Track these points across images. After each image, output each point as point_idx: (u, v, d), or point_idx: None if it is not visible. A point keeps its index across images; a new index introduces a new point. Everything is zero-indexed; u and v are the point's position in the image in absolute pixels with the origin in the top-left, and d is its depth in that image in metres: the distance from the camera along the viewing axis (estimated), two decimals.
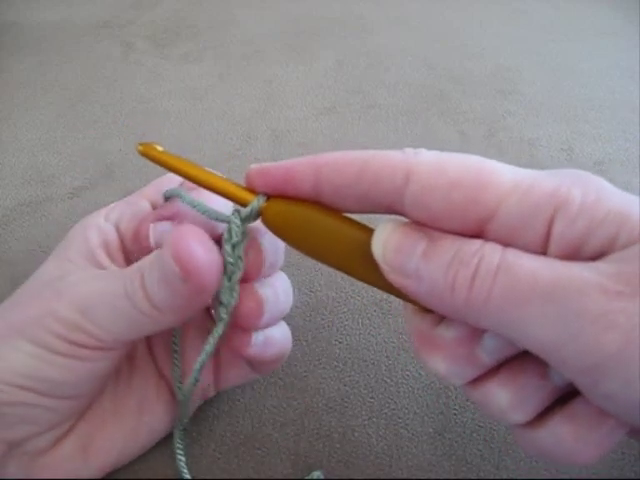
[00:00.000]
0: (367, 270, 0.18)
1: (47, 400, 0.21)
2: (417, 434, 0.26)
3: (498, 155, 0.41)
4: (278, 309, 0.23)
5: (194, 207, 0.22)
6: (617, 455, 0.25)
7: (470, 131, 0.43)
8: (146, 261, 0.21)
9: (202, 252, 0.19)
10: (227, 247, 0.20)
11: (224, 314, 0.21)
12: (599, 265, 0.15)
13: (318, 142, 0.42)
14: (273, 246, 0.22)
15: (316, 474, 0.25)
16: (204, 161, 0.41)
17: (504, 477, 0.25)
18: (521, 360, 0.17)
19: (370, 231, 0.18)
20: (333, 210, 0.19)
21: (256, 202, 0.20)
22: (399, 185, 0.17)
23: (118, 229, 0.24)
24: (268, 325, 0.23)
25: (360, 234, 0.18)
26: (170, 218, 0.23)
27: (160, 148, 0.21)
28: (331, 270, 0.32)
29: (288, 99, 0.47)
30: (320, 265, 0.33)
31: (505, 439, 0.26)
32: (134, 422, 0.24)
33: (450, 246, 0.16)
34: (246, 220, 0.20)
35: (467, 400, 0.27)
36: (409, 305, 0.19)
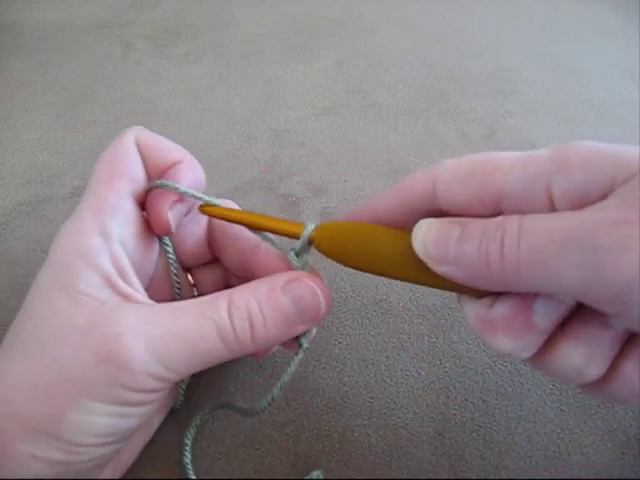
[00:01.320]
0: (417, 271, 0.20)
1: (119, 445, 0.21)
2: (417, 434, 0.26)
3: None
4: None
5: (182, 193, 0.23)
6: (617, 455, 0.25)
7: (470, 131, 0.43)
8: (250, 298, 0.21)
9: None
10: (294, 261, 0.23)
11: (305, 342, 0.23)
12: (603, 202, 0.16)
13: (318, 142, 0.42)
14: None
15: (316, 474, 0.25)
16: (204, 161, 0.41)
17: (504, 477, 0.25)
18: (578, 316, 0.19)
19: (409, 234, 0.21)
20: (373, 225, 0.21)
21: (305, 232, 0.22)
22: (430, 192, 0.20)
23: (123, 244, 0.22)
24: None
25: (403, 238, 0.20)
26: (179, 200, 0.23)
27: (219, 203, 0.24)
28: (331, 270, 0.33)
29: (288, 99, 0.47)
30: (320, 266, 0.33)
31: (505, 439, 0.26)
32: (149, 420, 0.25)
33: (476, 227, 0.18)
34: (302, 251, 0.23)
35: (467, 400, 0.27)
36: (463, 296, 0.21)
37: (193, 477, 0.24)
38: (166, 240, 0.25)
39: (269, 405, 0.23)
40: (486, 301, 0.20)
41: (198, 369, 0.21)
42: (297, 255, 0.23)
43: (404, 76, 0.50)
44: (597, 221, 0.16)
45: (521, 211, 0.18)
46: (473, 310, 0.20)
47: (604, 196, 0.17)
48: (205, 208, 0.24)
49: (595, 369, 0.18)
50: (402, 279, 0.21)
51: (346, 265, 0.21)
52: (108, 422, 0.19)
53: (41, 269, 0.21)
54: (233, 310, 0.20)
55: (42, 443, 0.19)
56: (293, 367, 0.23)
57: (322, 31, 0.57)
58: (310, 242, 0.22)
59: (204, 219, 0.26)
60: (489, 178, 0.19)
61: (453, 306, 0.31)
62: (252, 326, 0.20)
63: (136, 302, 0.21)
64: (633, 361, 0.18)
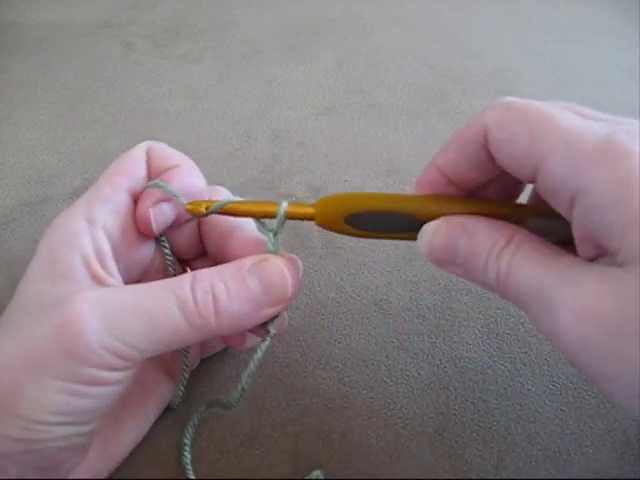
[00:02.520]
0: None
1: (83, 427, 0.20)
2: (417, 434, 0.26)
3: None
4: None
5: (168, 192, 0.23)
6: (617, 455, 0.25)
7: None
8: (215, 275, 0.21)
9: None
10: (270, 245, 0.23)
11: (272, 328, 0.22)
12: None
13: (318, 142, 0.42)
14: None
15: (316, 474, 0.25)
16: (204, 161, 0.41)
17: (504, 477, 0.25)
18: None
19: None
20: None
21: (280, 209, 0.22)
22: (481, 141, 0.19)
23: (106, 230, 0.22)
24: None
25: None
26: (166, 200, 0.23)
27: (204, 202, 0.23)
28: (331, 271, 0.33)
29: (288, 99, 0.47)
30: (320, 266, 0.33)
31: (505, 439, 0.26)
32: (142, 409, 0.25)
33: (484, 242, 0.19)
34: (278, 230, 0.22)
35: (466, 400, 0.27)
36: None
37: (193, 477, 0.24)
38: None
39: (240, 395, 0.23)
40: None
41: (159, 347, 0.20)
42: (275, 234, 0.22)
43: (404, 76, 0.50)
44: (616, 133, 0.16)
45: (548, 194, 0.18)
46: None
47: None
48: (188, 208, 0.23)
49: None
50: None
51: (347, 234, 0.22)
52: (64, 400, 0.19)
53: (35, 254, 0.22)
54: (196, 284, 0.20)
55: (2, 418, 0.19)
56: (259, 354, 0.22)
57: (322, 31, 0.57)
58: (308, 218, 0.22)
59: None
60: (532, 147, 0.18)
61: (453, 306, 0.31)
62: (215, 299, 0.20)
63: (107, 285, 0.21)
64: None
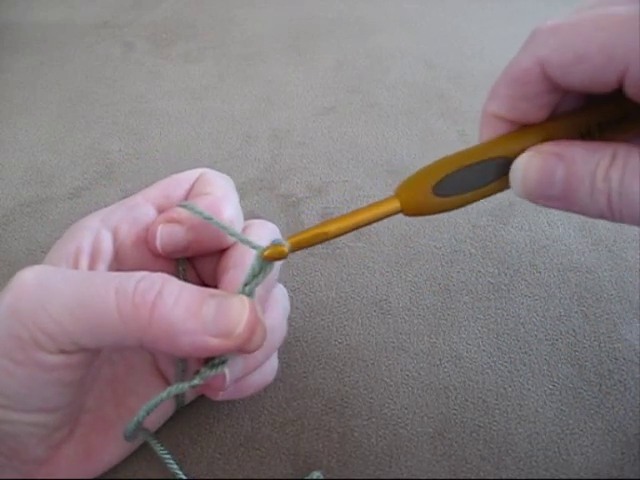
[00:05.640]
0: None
1: (17, 414, 0.19)
2: (417, 434, 0.26)
3: None
4: (270, 345, 0.23)
5: (205, 219, 0.22)
6: (617, 455, 0.25)
7: (470, 131, 0.43)
8: (173, 281, 0.19)
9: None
10: (242, 286, 0.20)
11: (203, 375, 0.20)
12: None
13: (318, 142, 0.42)
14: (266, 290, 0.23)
15: (316, 474, 0.25)
16: (204, 161, 0.41)
17: (504, 477, 0.25)
18: None
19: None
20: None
21: (256, 255, 0.20)
22: (540, 76, 0.19)
23: (116, 235, 0.22)
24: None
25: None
26: (181, 222, 0.22)
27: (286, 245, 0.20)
28: (331, 271, 0.33)
29: (288, 99, 0.47)
30: (320, 266, 0.33)
31: (505, 439, 0.26)
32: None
33: (585, 169, 0.18)
34: (253, 278, 0.20)
35: (467, 400, 0.27)
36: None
37: (182, 477, 0.24)
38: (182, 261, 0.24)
39: (136, 428, 0.21)
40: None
41: (86, 330, 0.19)
42: (247, 284, 0.20)
43: (404, 76, 0.50)
44: None
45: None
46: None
47: None
48: (266, 254, 0.20)
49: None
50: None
51: (437, 208, 0.20)
52: None
53: None
54: (147, 277, 0.19)
55: None
56: (166, 395, 0.20)
57: (322, 31, 0.57)
58: (395, 212, 0.20)
59: None
60: (608, 63, 0.17)
61: (453, 306, 0.31)
62: (159, 296, 0.18)
63: None
64: None
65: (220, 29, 0.57)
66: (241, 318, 0.19)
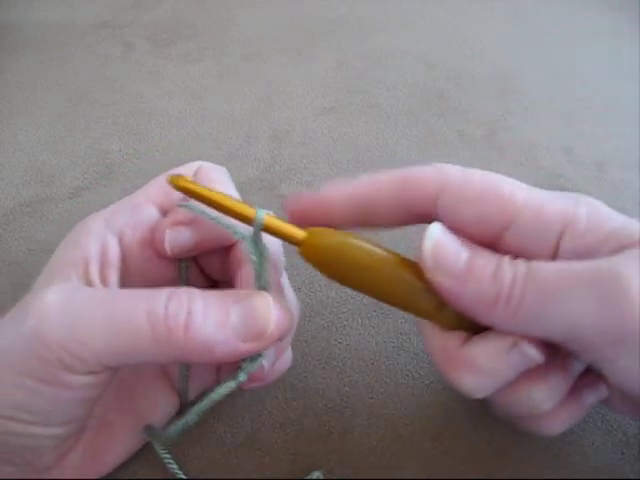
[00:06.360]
0: (406, 294, 0.20)
1: (42, 429, 0.20)
2: (417, 434, 0.26)
3: (498, 155, 0.41)
4: (288, 341, 0.24)
5: (210, 218, 0.22)
6: (617, 455, 0.25)
7: (470, 131, 0.43)
8: (195, 293, 0.19)
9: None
10: (256, 279, 0.21)
11: (245, 374, 0.21)
12: (621, 257, 0.17)
13: (318, 142, 0.42)
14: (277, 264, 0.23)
15: (316, 474, 0.25)
16: (204, 161, 0.41)
17: (504, 477, 0.25)
18: (547, 360, 0.19)
19: (399, 256, 0.20)
20: (366, 240, 0.20)
21: (257, 219, 0.20)
22: (433, 196, 0.19)
23: (121, 239, 0.22)
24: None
25: (398, 259, 0.20)
26: (187, 224, 0.22)
27: (190, 178, 0.21)
28: None
29: (288, 99, 0.47)
30: None
31: (505, 439, 0.26)
32: (141, 424, 0.24)
33: (490, 258, 0.18)
34: (256, 241, 0.21)
35: (467, 400, 0.27)
36: (428, 325, 0.20)
37: (182, 476, 0.24)
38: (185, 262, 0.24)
39: (182, 430, 0.21)
40: (456, 337, 0.20)
41: (119, 354, 0.19)
42: (258, 257, 0.21)
43: (404, 76, 0.50)
44: (619, 264, 0.16)
45: (520, 249, 0.18)
46: (440, 343, 0.20)
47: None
48: (168, 179, 0.21)
49: (549, 405, 0.19)
50: (389, 302, 0.20)
51: (331, 278, 0.21)
52: (14, 393, 0.18)
53: None
54: (174, 296, 0.19)
55: None
56: (217, 395, 0.20)
57: (322, 31, 0.57)
58: (296, 244, 0.20)
59: None
60: (501, 207, 0.19)
61: None
62: (190, 314, 0.19)
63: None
64: (573, 396, 0.20)
65: (220, 29, 0.57)
66: (269, 318, 0.20)
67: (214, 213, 0.21)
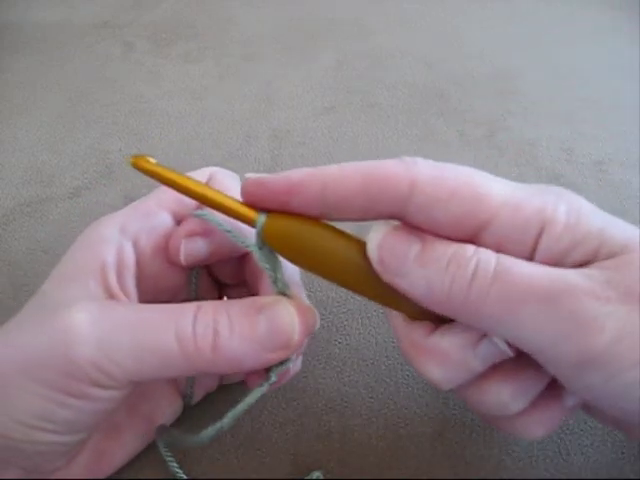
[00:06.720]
0: (364, 282, 0.19)
1: (60, 437, 0.20)
2: (417, 434, 0.26)
3: (498, 155, 0.41)
4: None
5: (226, 231, 0.21)
6: (617, 455, 0.25)
7: (470, 131, 0.43)
8: (220, 309, 0.20)
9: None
10: (274, 284, 0.21)
11: (274, 376, 0.21)
12: (591, 272, 0.16)
13: (318, 142, 0.42)
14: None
15: (316, 474, 0.25)
16: (204, 161, 0.41)
17: (504, 477, 0.25)
18: (517, 357, 0.18)
19: (364, 244, 0.19)
20: (329, 225, 0.19)
21: (259, 224, 0.19)
22: (404, 195, 0.18)
23: (136, 245, 0.22)
24: None
25: (359, 246, 0.19)
26: (203, 235, 0.22)
27: (153, 160, 0.20)
28: None
29: (288, 99, 0.47)
30: None
31: (505, 439, 0.26)
32: (146, 426, 0.24)
33: (445, 250, 0.17)
34: (260, 242, 0.20)
35: None
36: (396, 315, 0.20)
37: (183, 476, 0.24)
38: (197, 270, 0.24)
39: (216, 435, 0.21)
40: (422, 327, 0.19)
41: (149, 371, 0.19)
42: (260, 248, 0.20)
43: (404, 76, 0.50)
44: (582, 289, 0.16)
45: (497, 250, 0.17)
46: (407, 333, 0.19)
47: (583, 263, 0.17)
48: (135, 162, 0.20)
49: (518, 405, 0.19)
50: (350, 289, 0.20)
51: (293, 263, 0.20)
52: (47, 407, 0.19)
53: None
54: (200, 315, 0.19)
55: None
56: (252, 398, 0.21)
57: (322, 31, 0.57)
58: (252, 225, 0.20)
59: None
60: (477, 207, 0.17)
61: None
62: (216, 334, 0.19)
63: (116, 299, 0.21)
64: (550, 399, 0.19)
65: (220, 29, 0.57)
66: (293, 327, 0.20)
67: (228, 224, 0.21)
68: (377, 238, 0.18)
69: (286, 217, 0.19)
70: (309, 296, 0.32)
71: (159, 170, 0.20)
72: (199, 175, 0.24)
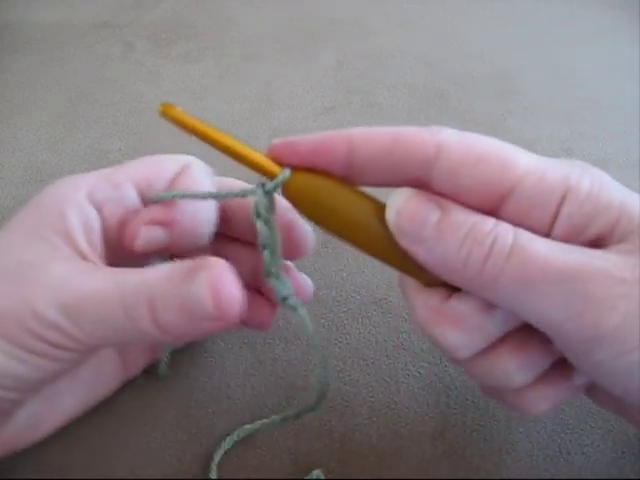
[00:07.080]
0: (381, 246, 0.19)
1: (5, 392, 0.20)
2: (417, 434, 0.26)
3: None
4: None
5: (205, 197, 0.21)
6: (617, 455, 0.25)
7: (470, 131, 0.43)
8: (156, 282, 0.19)
9: (240, 298, 0.19)
10: (260, 224, 0.20)
11: (295, 304, 0.22)
12: (608, 255, 0.17)
13: None
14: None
15: (316, 474, 0.25)
16: (204, 161, 0.41)
17: (504, 477, 0.25)
18: (527, 329, 0.19)
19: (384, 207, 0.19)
20: (351, 186, 0.20)
21: (281, 176, 0.19)
22: (430, 158, 0.18)
23: (101, 213, 0.22)
24: None
25: (380, 209, 0.19)
26: (165, 224, 0.22)
27: (180, 109, 0.21)
28: (331, 270, 0.33)
29: (288, 99, 0.47)
30: (320, 265, 0.33)
31: (505, 439, 0.26)
32: (88, 389, 0.24)
33: (464, 221, 0.18)
34: (271, 193, 0.20)
35: (467, 400, 0.27)
36: (410, 283, 0.20)
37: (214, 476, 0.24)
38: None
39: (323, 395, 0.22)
40: (438, 293, 0.19)
41: (112, 338, 0.20)
42: (267, 194, 0.20)
43: (404, 76, 0.50)
44: (598, 269, 0.16)
45: (520, 217, 0.18)
46: (423, 299, 0.19)
47: (598, 238, 0.17)
48: (164, 110, 0.21)
49: (523, 378, 0.19)
50: (369, 252, 0.20)
51: (310, 219, 0.20)
52: (7, 363, 0.19)
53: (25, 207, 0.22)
54: (139, 286, 0.19)
55: None
56: (309, 327, 0.22)
57: (322, 31, 0.57)
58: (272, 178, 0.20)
59: None
60: (504, 172, 0.18)
61: None
62: (152, 309, 0.19)
63: (87, 259, 0.21)
64: (558, 376, 0.19)
65: (220, 29, 0.57)
66: (204, 299, 0.19)
67: (207, 191, 0.21)
68: (397, 203, 0.18)
69: (310, 173, 0.19)
70: None
71: (187, 119, 0.21)
72: (174, 161, 0.24)
